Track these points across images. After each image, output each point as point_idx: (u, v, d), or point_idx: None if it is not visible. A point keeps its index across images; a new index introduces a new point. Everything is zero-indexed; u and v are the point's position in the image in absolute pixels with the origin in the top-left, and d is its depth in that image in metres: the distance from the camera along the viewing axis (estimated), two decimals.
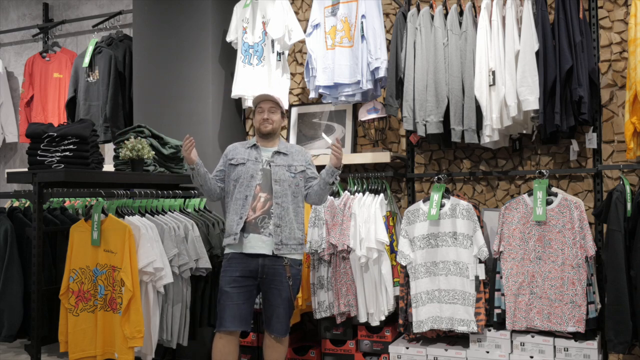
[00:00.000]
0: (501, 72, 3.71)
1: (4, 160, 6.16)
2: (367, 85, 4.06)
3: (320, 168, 4.43)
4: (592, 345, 3.51)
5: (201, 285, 3.84)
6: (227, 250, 3.42)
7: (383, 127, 4.38)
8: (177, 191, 3.93)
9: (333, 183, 3.38)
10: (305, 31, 4.46)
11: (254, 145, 3.51)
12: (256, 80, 4.44)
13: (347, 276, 3.91)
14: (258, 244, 3.34)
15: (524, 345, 3.64)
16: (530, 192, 3.70)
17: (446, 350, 3.75)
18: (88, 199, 4.35)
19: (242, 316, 3.33)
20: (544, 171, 3.71)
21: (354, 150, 4.51)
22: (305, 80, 4.36)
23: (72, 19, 5.80)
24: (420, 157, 4.39)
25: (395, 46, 3.98)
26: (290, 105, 4.72)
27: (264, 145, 3.51)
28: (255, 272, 3.35)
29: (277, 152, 3.47)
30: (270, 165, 3.42)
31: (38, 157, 3.40)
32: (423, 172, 4.37)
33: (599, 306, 3.62)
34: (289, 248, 3.36)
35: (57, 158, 3.37)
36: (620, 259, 3.41)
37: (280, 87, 4.44)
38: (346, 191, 4.10)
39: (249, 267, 3.34)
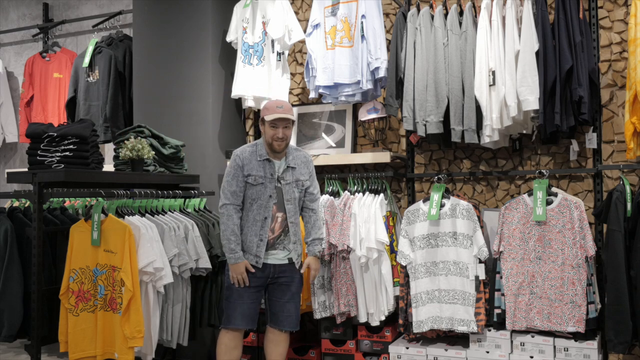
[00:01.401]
0: (501, 72, 3.71)
1: (4, 160, 6.16)
2: (367, 85, 4.06)
3: (320, 168, 4.44)
4: (592, 345, 3.51)
5: (201, 285, 3.84)
6: None
7: (383, 127, 4.38)
8: (177, 191, 3.93)
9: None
10: (305, 31, 4.45)
11: (267, 159, 3.40)
12: (256, 80, 4.44)
13: (347, 276, 3.91)
14: (273, 257, 3.42)
15: (524, 345, 3.64)
16: (530, 192, 3.70)
17: (446, 350, 3.75)
18: (88, 199, 4.35)
19: (251, 315, 3.39)
20: (544, 171, 3.71)
21: (354, 150, 4.51)
22: (305, 80, 4.36)
23: (72, 19, 5.80)
24: (420, 157, 4.39)
25: (395, 46, 3.98)
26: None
27: (275, 157, 3.43)
28: (268, 274, 3.42)
29: (287, 168, 3.43)
30: (280, 183, 3.41)
31: (38, 157, 3.40)
32: (423, 172, 4.37)
33: (599, 306, 3.62)
34: (301, 255, 3.53)
35: (57, 158, 3.37)
36: (620, 259, 3.41)
37: (280, 87, 4.44)
38: (346, 191, 4.10)
39: (262, 269, 3.40)
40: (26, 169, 3.45)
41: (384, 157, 4.10)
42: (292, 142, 4.62)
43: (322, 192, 4.17)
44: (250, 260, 3.36)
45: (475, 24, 3.83)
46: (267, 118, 3.33)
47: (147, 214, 3.64)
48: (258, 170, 3.36)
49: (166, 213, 3.77)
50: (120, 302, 3.22)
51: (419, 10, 3.97)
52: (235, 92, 4.49)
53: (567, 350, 3.55)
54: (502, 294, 3.68)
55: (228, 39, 4.59)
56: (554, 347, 3.58)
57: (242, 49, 4.50)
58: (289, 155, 3.46)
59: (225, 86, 4.66)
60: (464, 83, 3.80)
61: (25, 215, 3.79)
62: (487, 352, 3.68)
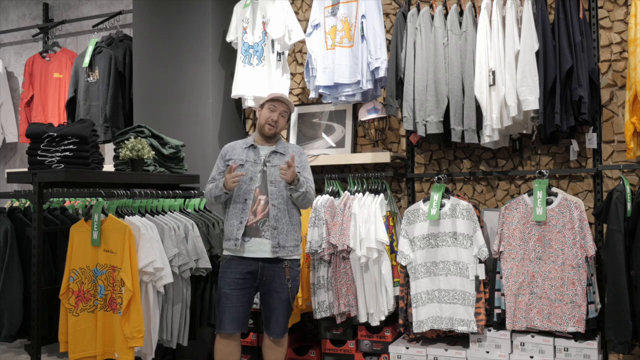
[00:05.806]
0: (501, 72, 3.71)
1: (4, 160, 6.16)
2: (367, 85, 4.06)
3: (320, 168, 4.44)
4: (592, 345, 3.51)
5: (201, 285, 3.84)
6: (225, 253, 3.41)
7: (383, 127, 4.38)
8: (177, 191, 3.93)
9: (298, 192, 3.32)
10: (305, 31, 4.45)
11: (252, 145, 3.48)
12: (256, 80, 4.44)
13: (347, 276, 3.91)
14: (259, 248, 3.34)
15: (524, 345, 3.64)
16: (530, 192, 3.70)
17: (446, 350, 3.75)
18: (88, 199, 4.35)
19: (240, 319, 3.35)
20: (544, 171, 3.71)
21: (354, 150, 4.51)
22: (305, 80, 4.36)
23: (72, 19, 5.80)
24: (420, 157, 4.39)
25: (395, 46, 3.98)
26: None
27: (262, 144, 3.49)
28: (255, 273, 3.35)
29: (274, 152, 3.46)
30: (266, 166, 3.41)
31: (38, 157, 3.40)
32: (423, 172, 4.37)
33: (599, 306, 3.62)
34: (286, 250, 3.36)
35: (57, 158, 3.37)
36: (620, 259, 3.41)
37: (280, 87, 4.43)
38: (346, 191, 4.10)
39: (249, 269, 3.34)
40: (26, 169, 3.45)
41: (384, 157, 4.10)
42: (292, 142, 4.63)
43: (322, 192, 4.17)
44: (230, 246, 3.34)
45: (475, 24, 3.83)
46: (268, 98, 3.48)
47: (147, 214, 3.64)
48: (240, 155, 3.44)
49: (166, 213, 3.77)
50: (120, 302, 3.22)
51: (419, 10, 3.97)
52: (235, 92, 4.50)
53: (567, 350, 3.55)
54: (502, 294, 3.68)
55: (228, 39, 4.59)
56: (554, 347, 3.58)
57: (242, 49, 4.51)
58: (279, 144, 3.50)
59: (225, 86, 4.66)
60: (464, 83, 3.80)
61: (25, 215, 3.79)
62: (487, 352, 3.68)
